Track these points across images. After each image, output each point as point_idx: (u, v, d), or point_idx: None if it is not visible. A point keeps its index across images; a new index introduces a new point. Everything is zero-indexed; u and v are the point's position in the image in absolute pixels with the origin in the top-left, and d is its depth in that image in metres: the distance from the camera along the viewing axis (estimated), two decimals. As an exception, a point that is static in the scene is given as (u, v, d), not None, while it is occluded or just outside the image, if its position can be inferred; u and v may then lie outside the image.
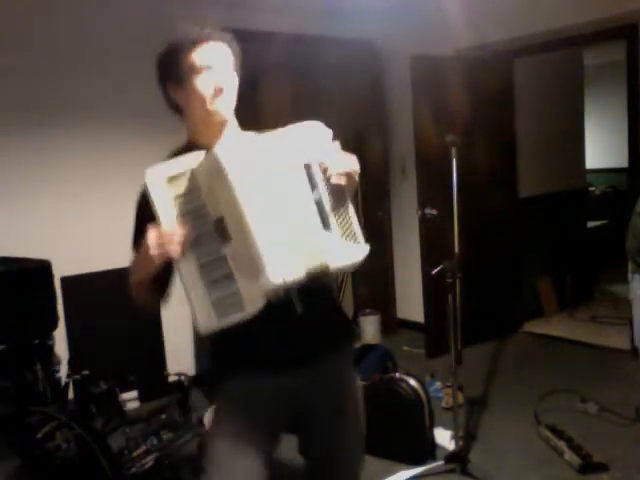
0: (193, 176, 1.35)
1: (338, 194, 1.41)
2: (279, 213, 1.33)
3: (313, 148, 1.40)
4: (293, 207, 1.35)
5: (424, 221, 4.12)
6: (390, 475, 2.70)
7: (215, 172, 1.31)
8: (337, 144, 1.45)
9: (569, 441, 2.81)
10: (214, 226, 1.34)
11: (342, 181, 1.40)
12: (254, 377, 1.47)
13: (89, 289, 3.51)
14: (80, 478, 2.22)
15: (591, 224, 6.01)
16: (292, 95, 4.95)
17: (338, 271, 1.42)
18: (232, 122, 1.53)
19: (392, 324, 4.99)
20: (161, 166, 1.37)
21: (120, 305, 3.62)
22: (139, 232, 1.45)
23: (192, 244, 1.33)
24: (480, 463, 2.75)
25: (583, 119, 5.53)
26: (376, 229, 4.98)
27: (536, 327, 4.78)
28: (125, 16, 3.57)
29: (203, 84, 1.44)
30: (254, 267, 1.29)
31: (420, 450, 2.85)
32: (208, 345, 1.55)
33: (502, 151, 4.54)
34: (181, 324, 3.90)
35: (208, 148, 1.40)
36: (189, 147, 1.48)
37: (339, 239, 1.39)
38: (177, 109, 1.53)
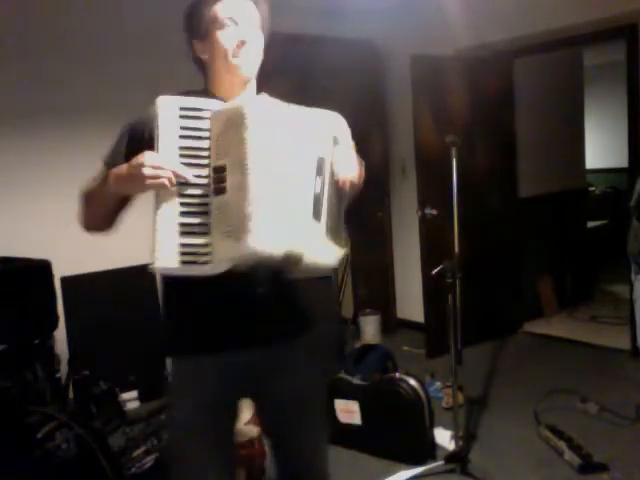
0: (209, 117, 1.31)
1: (337, 196, 1.40)
2: (281, 187, 1.30)
3: (330, 141, 1.39)
4: (295, 188, 1.33)
5: (424, 221, 4.12)
6: (390, 475, 2.70)
7: (235, 121, 1.27)
8: (352, 145, 1.44)
9: (569, 441, 2.81)
10: (212, 173, 1.30)
11: (345, 186, 1.39)
12: (206, 353, 1.44)
13: (89, 289, 3.51)
14: (80, 478, 2.22)
15: (591, 224, 6.01)
16: (292, 95, 4.94)
17: (309, 266, 1.38)
18: (253, 83, 1.52)
19: (392, 324, 4.98)
20: (177, 97, 1.32)
21: (120, 305, 3.65)
22: (119, 152, 1.41)
23: (184, 182, 1.29)
24: (480, 463, 2.74)
25: (583, 119, 5.53)
26: (376, 229, 4.99)
27: (536, 327, 4.78)
28: (125, 16, 3.57)
29: (226, 37, 1.42)
30: (239, 226, 1.24)
31: (420, 450, 2.84)
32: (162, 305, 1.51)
33: (502, 151, 4.53)
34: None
35: (226, 101, 1.39)
36: (205, 94, 1.45)
37: (323, 235, 1.37)
38: (201, 64, 1.51)
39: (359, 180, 1.43)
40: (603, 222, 6.50)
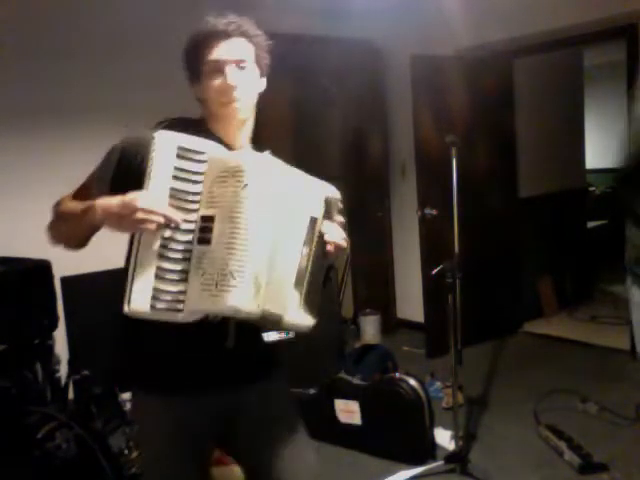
0: (207, 162, 1.29)
1: (321, 259, 1.41)
2: (268, 249, 1.29)
3: (322, 204, 1.40)
4: (283, 250, 1.32)
5: (424, 221, 4.12)
6: (390, 475, 2.70)
7: (233, 175, 1.26)
8: (342, 220, 1.46)
9: (569, 441, 2.81)
10: (199, 221, 1.27)
11: (332, 249, 1.41)
12: (173, 395, 1.42)
13: (89, 289, 3.50)
14: (80, 478, 2.22)
15: (591, 224, 6.01)
16: (292, 95, 4.95)
17: (289, 328, 1.38)
18: (249, 121, 1.51)
19: (392, 324, 4.98)
20: (176, 135, 1.29)
21: (120, 305, 3.64)
22: (105, 177, 1.38)
23: (168, 226, 1.26)
24: (480, 463, 2.75)
25: (583, 119, 5.53)
26: (376, 229, 4.99)
27: (536, 327, 4.78)
28: (125, 17, 3.57)
29: (216, 87, 1.42)
30: (218, 281, 1.23)
31: (420, 450, 2.85)
32: (125, 341, 1.47)
33: (502, 151, 4.54)
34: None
35: (223, 142, 1.40)
36: (202, 128, 1.45)
37: (303, 298, 1.37)
38: (200, 100, 1.50)
39: (345, 246, 1.45)
40: (603, 222, 6.50)
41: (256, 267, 1.26)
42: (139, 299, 1.23)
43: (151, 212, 1.22)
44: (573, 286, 5.24)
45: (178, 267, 1.26)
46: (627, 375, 3.65)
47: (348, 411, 2.98)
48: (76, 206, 1.40)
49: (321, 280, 1.43)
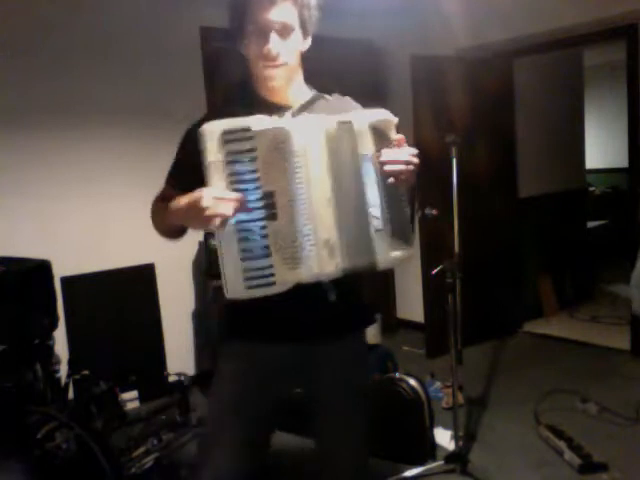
0: (254, 137, 1.30)
1: (393, 188, 1.38)
2: (331, 206, 1.32)
3: (375, 138, 1.37)
4: (346, 203, 1.34)
5: (424, 221, 4.11)
6: (390, 475, 2.70)
7: (279, 145, 1.29)
8: (401, 136, 1.39)
9: (569, 441, 2.81)
10: (262, 197, 1.30)
11: (397, 175, 1.35)
12: (265, 345, 1.48)
13: (89, 289, 3.51)
14: (80, 478, 2.22)
15: (591, 224, 6.00)
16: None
17: (384, 269, 1.40)
18: (295, 77, 1.52)
19: (392, 324, 4.98)
20: (221, 121, 1.30)
21: (120, 305, 3.65)
22: (180, 164, 1.48)
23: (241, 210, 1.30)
24: (480, 463, 2.75)
25: (583, 119, 5.53)
26: (376, 229, 4.98)
27: (536, 327, 4.78)
28: (125, 16, 3.57)
29: (259, 47, 1.42)
30: (291, 254, 1.29)
31: (420, 450, 2.84)
32: (225, 314, 1.56)
33: (502, 151, 4.53)
34: (181, 324, 3.90)
35: (270, 101, 1.44)
36: (248, 91, 1.48)
37: (389, 238, 1.37)
38: (243, 54, 1.51)
39: (411, 164, 1.38)
40: (603, 222, 6.50)
41: (323, 231, 1.30)
42: (234, 283, 1.29)
43: (216, 207, 1.25)
44: (573, 286, 5.24)
45: (259, 244, 1.30)
46: (627, 375, 3.65)
47: (348, 411, 2.98)
48: (159, 206, 1.48)
49: (405, 209, 1.41)
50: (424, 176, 4.60)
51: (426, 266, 4.12)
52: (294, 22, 1.45)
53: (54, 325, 2.79)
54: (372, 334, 4.57)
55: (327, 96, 1.59)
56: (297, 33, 1.47)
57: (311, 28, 1.52)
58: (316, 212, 1.30)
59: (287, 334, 1.47)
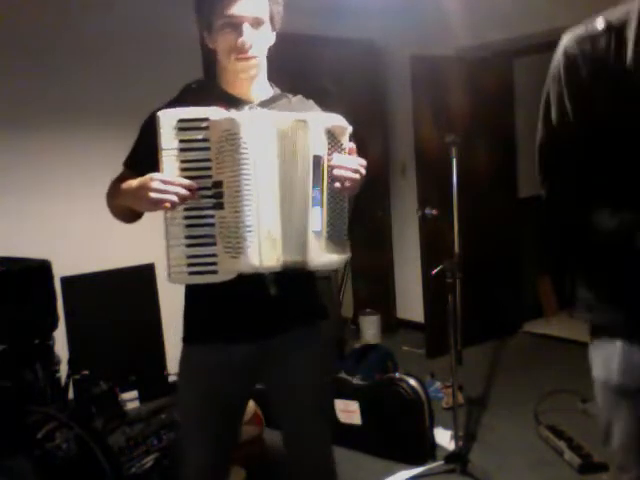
0: (209, 128, 1.33)
1: (337, 194, 1.40)
2: (276, 200, 1.34)
3: (328, 142, 1.39)
4: (290, 199, 1.35)
5: (424, 221, 4.12)
6: (390, 475, 2.70)
7: (230, 136, 1.31)
8: (353, 145, 1.43)
9: (569, 441, 2.81)
10: (212, 186, 1.34)
11: (345, 182, 1.38)
12: (219, 347, 1.51)
13: (89, 289, 3.51)
14: (80, 478, 2.22)
15: (591, 224, 5.99)
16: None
17: (314, 269, 1.44)
18: (261, 74, 1.53)
19: (392, 324, 4.98)
20: (179, 109, 1.35)
21: (120, 305, 3.65)
22: (137, 150, 1.52)
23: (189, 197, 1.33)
24: (480, 463, 2.74)
25: (583, 119, 5.52)
26: (376, 229, 4.99)
27: (536, 327, 4.78)
28: (125, 17, 3.57)
29: (230, 38, 1.43)
30: (234, 244, 1.31)
31: (420, 450, 2.85)
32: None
33: (502, 151, 4.53)
34: (181, 324, 3.89)
35: (235, 97, 1.45)
36: (213, 86, 1.51)
37: (324, 240, 1.39)
38: (210, 50, 1.53)
39: (359, 174, 1.41)
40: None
41: (266, 224, 1.32)
42: (177, 268, 1.33)
43: (164, 191, 1.29)
44: (573, 286, 5.23)
45: (204, 232, 1.34)
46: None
47: (348, 411, 2.98)
48: (114, 187, 1.51)
49: (345, 215, 1.43)
50: (424, 176, 4.65)
51: (426, 266, 4.12)
52: (265, 16, 1.46)
53: (54, 325, 2.79)
54: (372, 334, 4.58)
55: (290, 96, 1.59)
56: (267, 27, 1.48)
57: (278, 24, 1.52)
58: (261, 205, 1.32)
59: (237, 332, 1.50)
